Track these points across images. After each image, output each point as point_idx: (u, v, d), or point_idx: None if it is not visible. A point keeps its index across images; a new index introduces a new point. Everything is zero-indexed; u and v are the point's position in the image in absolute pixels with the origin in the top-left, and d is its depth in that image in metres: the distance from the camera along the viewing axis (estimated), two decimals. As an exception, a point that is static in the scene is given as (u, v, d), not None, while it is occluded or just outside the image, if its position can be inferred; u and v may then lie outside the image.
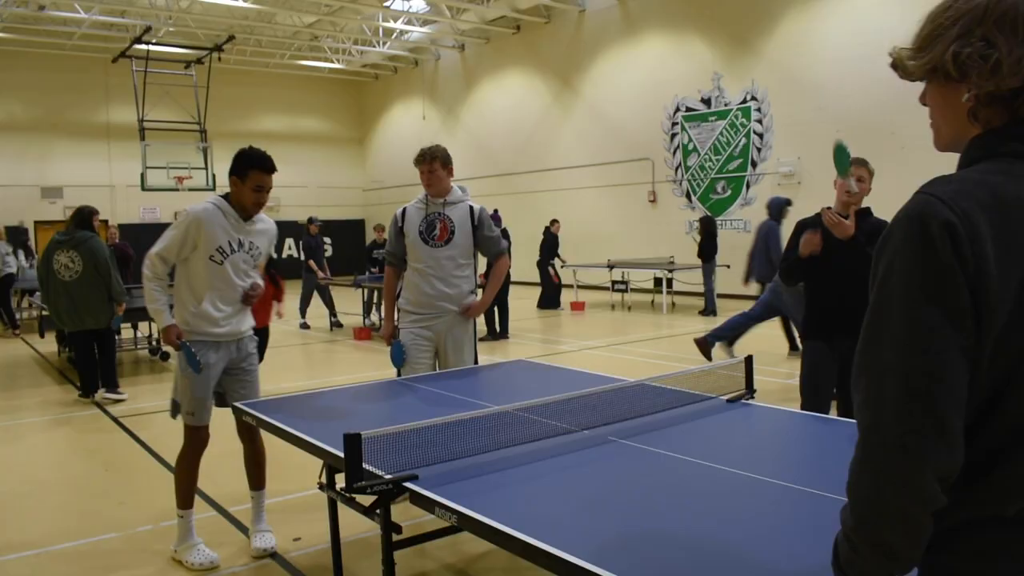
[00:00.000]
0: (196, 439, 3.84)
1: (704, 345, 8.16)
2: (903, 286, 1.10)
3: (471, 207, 4.54)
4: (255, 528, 4.00)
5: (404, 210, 4.54)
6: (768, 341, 9.14)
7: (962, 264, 1.06)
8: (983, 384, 1.10)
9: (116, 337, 8.23)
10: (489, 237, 4.58)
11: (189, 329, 3.74)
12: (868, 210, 4.07)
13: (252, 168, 3.70)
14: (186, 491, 3.85)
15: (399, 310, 4.63)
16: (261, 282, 3.98)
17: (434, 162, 4.42)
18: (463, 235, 4.46)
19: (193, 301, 3.74)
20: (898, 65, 1.25)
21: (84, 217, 7.50)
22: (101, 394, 7.69)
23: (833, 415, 3.82)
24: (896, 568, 1.13)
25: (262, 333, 6.50)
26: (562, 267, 15.68)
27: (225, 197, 3.81)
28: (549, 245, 14.89)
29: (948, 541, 1.15)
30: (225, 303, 3.77)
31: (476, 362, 4.74)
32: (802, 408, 4.04)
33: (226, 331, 3.80)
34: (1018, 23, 1.12)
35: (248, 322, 3.95)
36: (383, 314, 4.89)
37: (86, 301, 7.38)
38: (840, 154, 3.72)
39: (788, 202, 9.33)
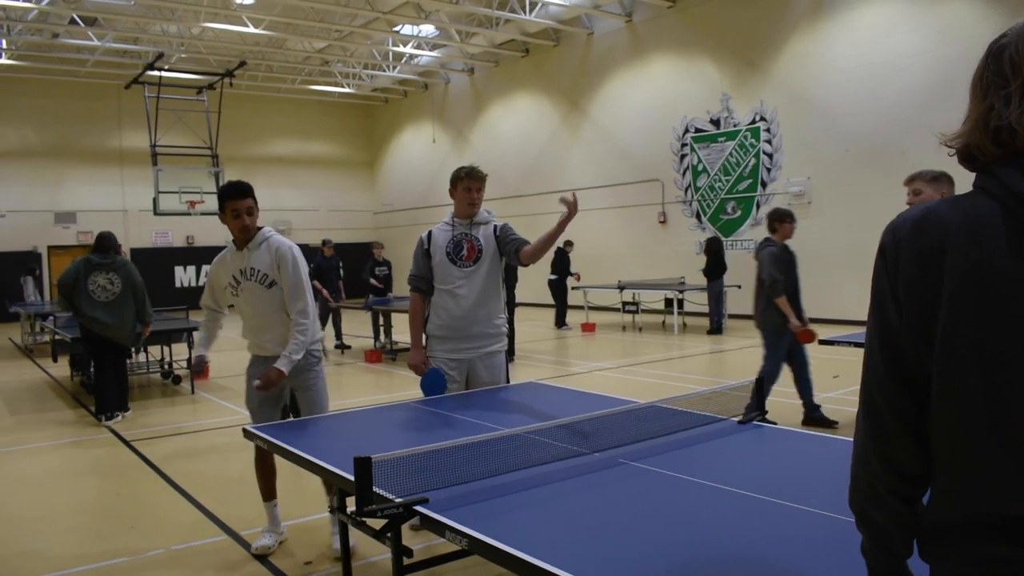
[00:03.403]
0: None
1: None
2: (871, 294, 1.28)
3: (495, 226, 4.47)
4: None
5: (430, 233, 4.46)
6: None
7: (890, 281, 1.23)
8: (926, 392, 1.22)
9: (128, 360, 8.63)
10: (511, 236, 4.38)
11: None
12: None
13: (224, 200, 4.06)
14: (260, 486, 4.29)
15: (427, 336, 4.44)
16: (304, 321, 4.06)
17: (484, 182, 4.39)
18: (491, 255, 4.38)
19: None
20: None
21: (113, 243, 7.98)
22: (106, 418, 7.78)
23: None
24: (885, 543, 1.27)
25: None
26: (573, 288, 15.69)
27: None
28: (563, 264, 15.33)
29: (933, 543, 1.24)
30: (257, 327, 4.15)
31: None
32: None
33: (262, 352, 4.17)
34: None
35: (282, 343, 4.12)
36: (411, 341, 4.54)
37: (121, 321, 7.76)
38: None
39: None
